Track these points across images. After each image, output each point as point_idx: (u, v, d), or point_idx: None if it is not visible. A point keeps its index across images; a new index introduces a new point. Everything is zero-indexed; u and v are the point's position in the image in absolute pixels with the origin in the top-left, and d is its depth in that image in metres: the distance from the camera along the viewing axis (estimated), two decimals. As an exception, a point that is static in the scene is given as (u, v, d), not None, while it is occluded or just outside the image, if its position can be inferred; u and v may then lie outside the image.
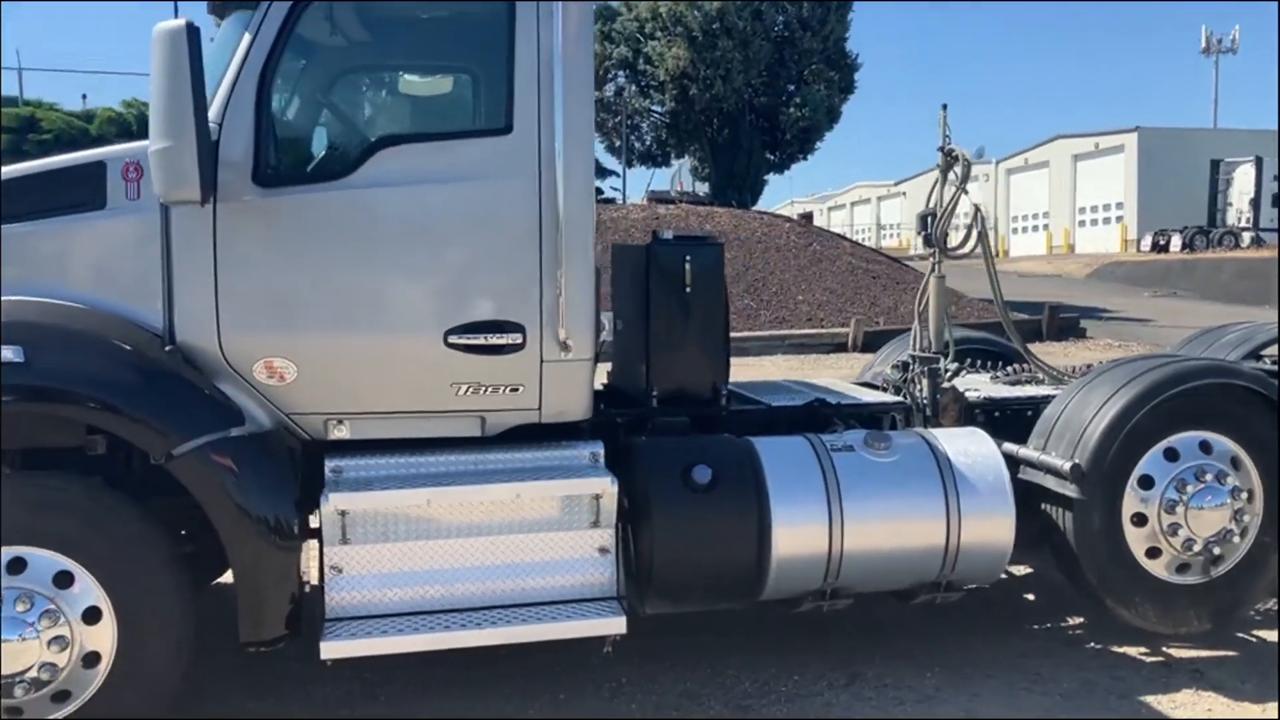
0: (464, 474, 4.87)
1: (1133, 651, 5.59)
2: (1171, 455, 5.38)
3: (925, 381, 5.81)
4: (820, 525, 5.00)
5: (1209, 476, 5.35)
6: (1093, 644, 5.70)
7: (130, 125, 25.01)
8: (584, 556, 4.86)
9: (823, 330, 21.81)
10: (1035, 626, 6.00)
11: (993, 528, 5.18)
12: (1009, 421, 5.83)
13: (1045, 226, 59.45)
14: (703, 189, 29.96)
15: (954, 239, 6.00)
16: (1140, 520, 5.36)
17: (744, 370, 18.44)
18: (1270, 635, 5.80)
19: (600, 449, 5.05)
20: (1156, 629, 5.51)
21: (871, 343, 21.79)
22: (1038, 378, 6.49)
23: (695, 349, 5.49)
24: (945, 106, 5.78)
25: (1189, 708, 5.01)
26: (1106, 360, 6.92)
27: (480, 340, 4.76)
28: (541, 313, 4.78)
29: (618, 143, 29.31)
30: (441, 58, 5.55)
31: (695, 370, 5.51)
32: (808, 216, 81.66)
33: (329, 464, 4.78)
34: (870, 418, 5.84)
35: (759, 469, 5.06)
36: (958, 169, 5.79)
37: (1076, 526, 5.32)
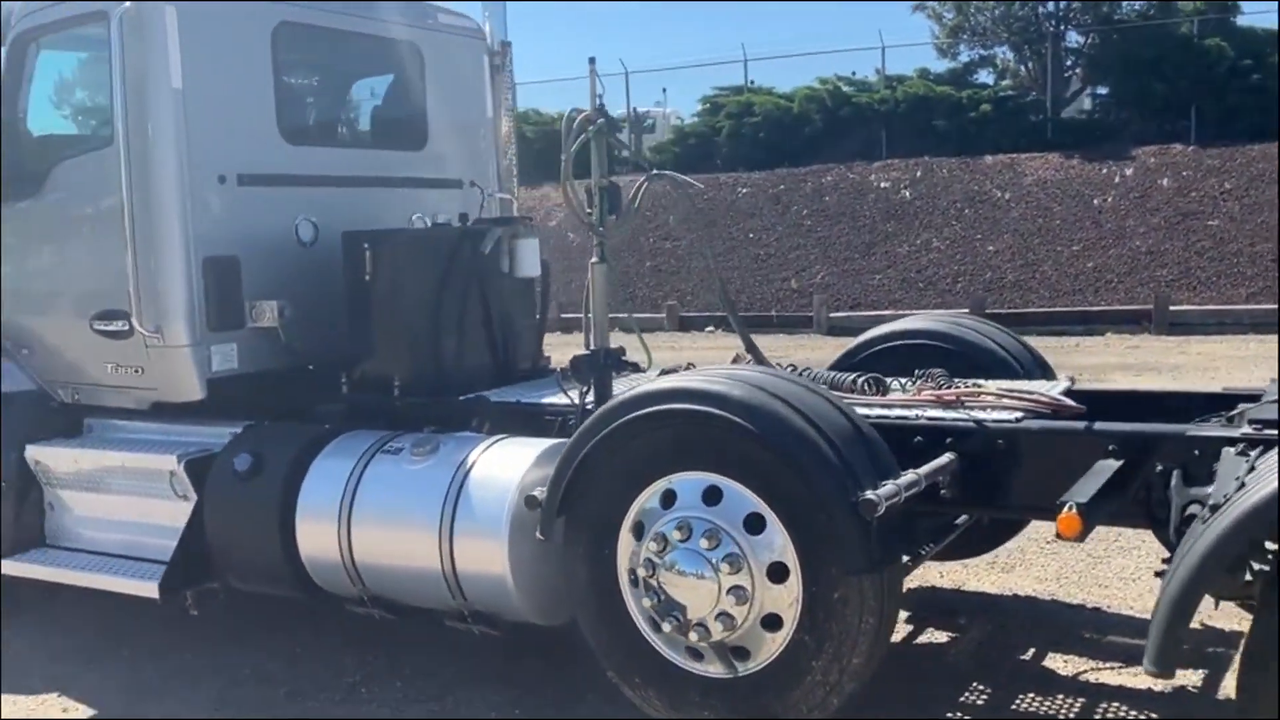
0: (130, 441, 5.71)
1: None
2: (669, 500, 4.03)
3: (582, 385, 5.00)
4: (331, 525, 4.87)
5: (680, 535, 3.90)
6: None
7: (826, 101, 26.55)
8: (178, 524, 5.37)
9: None
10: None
11: (481, 553, 4.48)
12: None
13: None
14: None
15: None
16: (637, 580, 4.12)
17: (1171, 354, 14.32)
18: None
19: (237, 429, 5.47)
20: (669, 725, 4.17)
21: None
22: None
23: (368, 339, 5.54)
24: (593, 61, 4.80)
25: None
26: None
27: (106, 326, 5.54)
28: (136, 303, 5.36)
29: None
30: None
31: (372, 360, 5.56)
32: None
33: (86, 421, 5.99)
34: (529, 419, 5.21)
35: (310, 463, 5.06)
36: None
37: (566, 573, 4.30)
